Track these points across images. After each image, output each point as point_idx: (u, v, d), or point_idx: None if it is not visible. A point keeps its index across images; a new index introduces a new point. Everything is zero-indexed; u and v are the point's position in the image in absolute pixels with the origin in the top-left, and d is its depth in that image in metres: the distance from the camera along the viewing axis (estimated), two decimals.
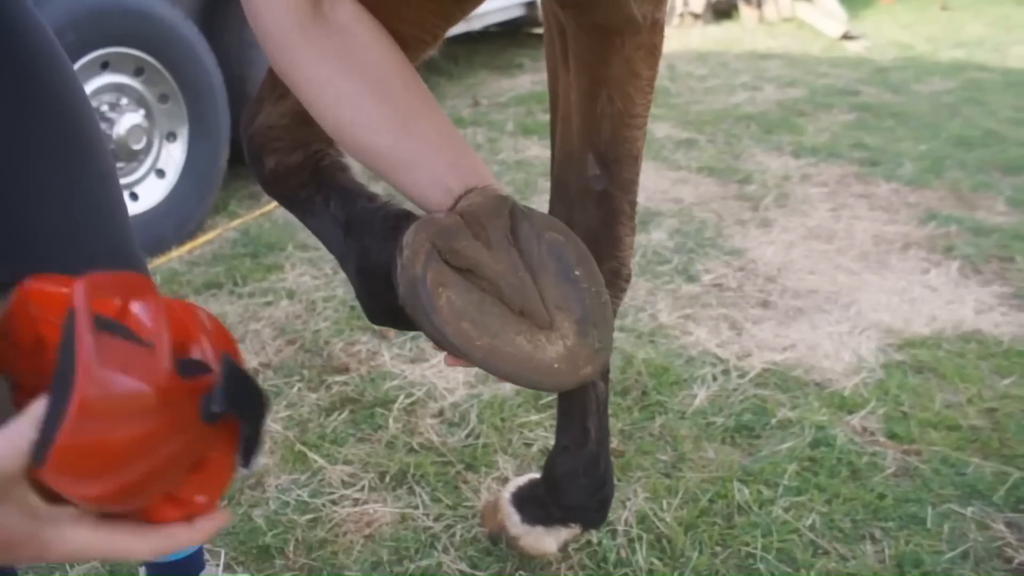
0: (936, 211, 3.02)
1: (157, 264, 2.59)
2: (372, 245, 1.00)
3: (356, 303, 2.10)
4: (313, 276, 2.54)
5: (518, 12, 5.29)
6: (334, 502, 1.63)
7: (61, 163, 0.92)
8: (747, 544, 1.51)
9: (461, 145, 0.85)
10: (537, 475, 1.48)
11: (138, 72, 2.60)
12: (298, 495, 1.64)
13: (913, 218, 2.98)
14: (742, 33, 6.66)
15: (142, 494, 0.52)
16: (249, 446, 0.56)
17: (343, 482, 1.68)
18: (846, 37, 6.27)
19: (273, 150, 1.06)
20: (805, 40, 6.35)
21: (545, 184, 3.32)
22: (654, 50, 1.14)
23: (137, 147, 2.59)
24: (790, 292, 2.45)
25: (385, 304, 1.00)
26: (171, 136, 2.74)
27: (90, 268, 0.56)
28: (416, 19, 0.98)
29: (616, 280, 1.22)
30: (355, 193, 1.06)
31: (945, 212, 3.01)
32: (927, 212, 3.02)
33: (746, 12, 7.26)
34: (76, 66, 2.40)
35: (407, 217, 0.97)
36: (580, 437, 1.31)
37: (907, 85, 4.88)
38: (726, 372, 2.02)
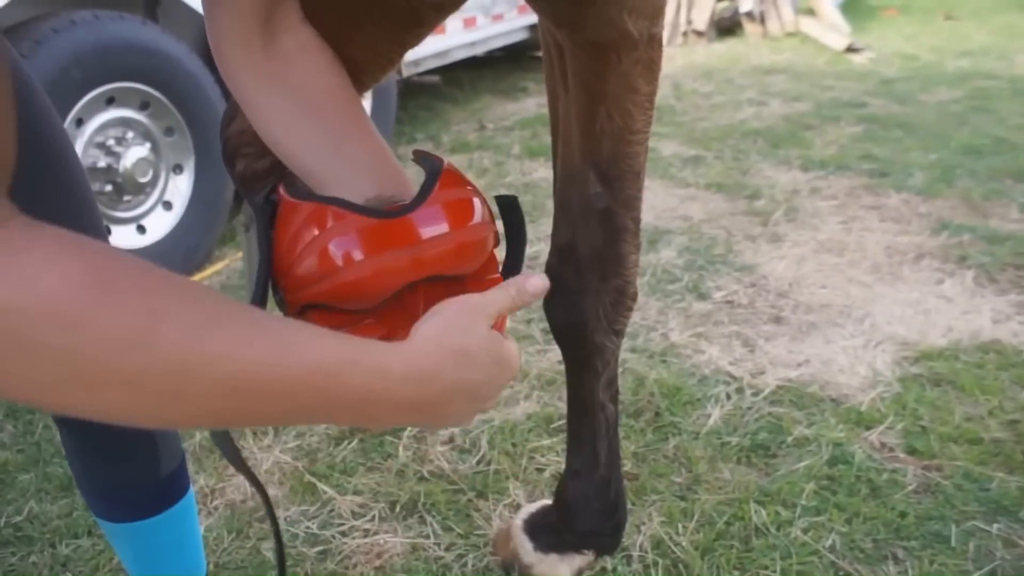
0: (948, 220, 2.99)
1: None
2: None
3: None
4: None
5: (521, 36, 5.32)
6: (344, 533, 1.60)
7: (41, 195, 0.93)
8: (765, 567, 1.47)
9: (391, 167, 0.90)
10: (549, 501, 1.45)
11: (144, 106, 2.61)
12: (307, 527, 1.62)
13: (925, 228, 2.94)
14: (746, 49, 6.66)
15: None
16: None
17: (353, 513, 1.65)
18: (850, 50, 6.27)
19: (244, 154, 1.09)
20: (809, 54, 6.34)
21: (552, 207, 3.31)
22: (652, 65, 1.12)
23: (143, 180, 2.60)
24: (802, 307, 2.42)
25: None
26: (177, 168, 2.75)
27: None
28: (369, 44, 1.00)
29: (622, 299, 1.20)
30: None
31: (957, 221, 2.98)
32: (939, 222, 2.99)
33: (750, 28, 7.27)
34: (82, 102, 2.42)
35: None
36: (591, 461, 1.29)
37: (914, 95, 4.86)
38: (740, 390, 1.99)
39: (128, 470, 1.15)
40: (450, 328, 0.65)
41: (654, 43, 1.12)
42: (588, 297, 1.19)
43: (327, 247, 0.70)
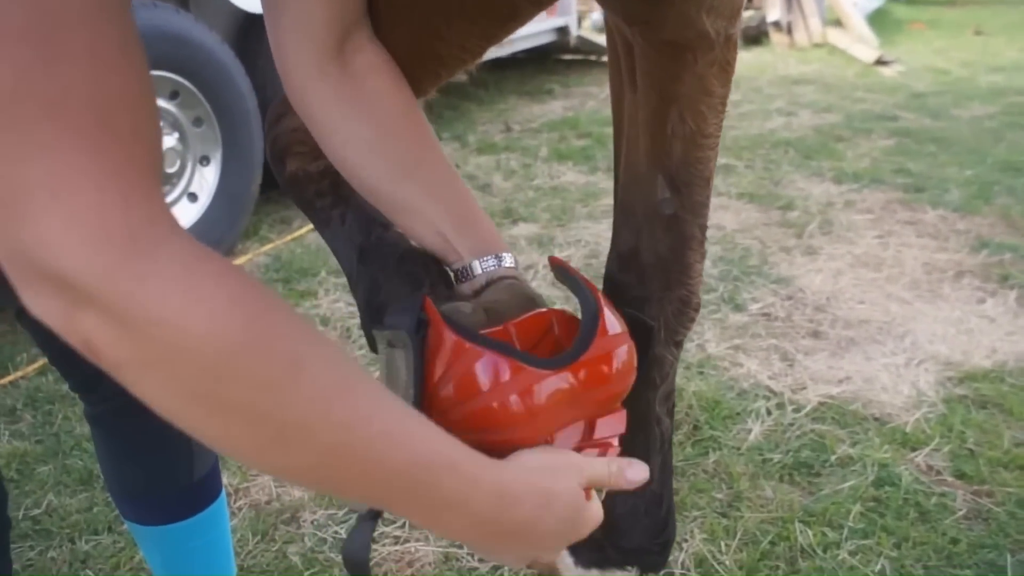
0: (988, 238, 2.92)
1: None
2: (383, 282, 0.96)
3: None
4: (347, 303, 2.48)
5: (548, 39, 5.27)
6: (373, 540, 1.55)
7: None
8: None
9: (461, 193, 0.89)
10: None
11: (173, 95, 2.57)
12: (335, 532, 1.57)
13: (964, 245, 2.88)
14: (773, 59, 6.60)
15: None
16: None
17: (383, 519, 1.60)
18: (880, 62, 6.19)
19: (296, 154, 1.03)
20: (838, 65, 6.27)
21: (582, 210, 3.26)
22: (727, 66, 1.07)
23: (171, 170, 2.56)
24: (841, 322, 2.35)
25: None
26: (204, 160, 2.70)
27: None
28: (457, 39, 0.95)
29: (685, 309, 1.15)
30: (372, 218, 1.02)
31: (997, 239, 2.91)
32: (978, 239, 2.92)
33: (776, 38, 7.20)
34: None
35: (424, 261, 0.92)
36: None
37: (946, 110, 4.79)
38: (780, 406, 1.93)
39: (161, 473, 1.10)
40: (546, 469, 0.66)
41: (731, 44, 1.06)
42: (650, 306, 1.14)
43: (505, 402, 0.68)
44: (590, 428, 0.76)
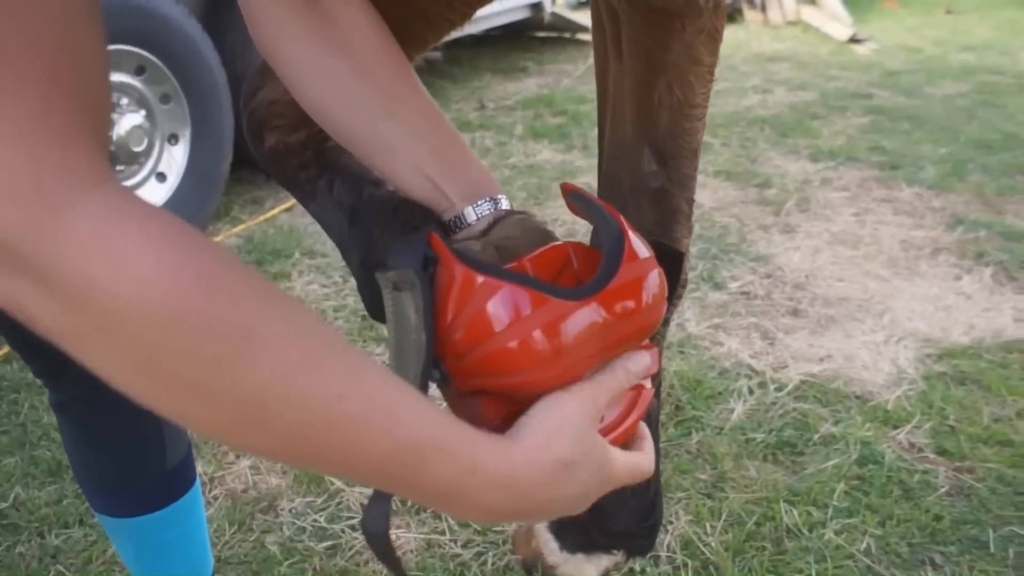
0: (963, 216, 2.93)
1: None
2: (380, 238, 0.90)
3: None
4: (322, 284, 2.43)
5: (522, 15, 5.21)
6: (354, 528, 1.52)
7: None
8: (800, 571, 1.41)
9: (447, 133, 0.81)
10: None
11: (139, 71, 2.49)
12: (314, 520, 1.54)
13: (940, 223, 2.88)
14: (747, 36, 6.58)
15: None
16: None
17: (363, 505, 1.57)
18: (853, 40, 6.19)
19: (274, 127, 0.97)
20: (812, 43, 6.27)
21: (558, 189, 3.22)
22: (716, 34, 1.04)
23: (138, 149, 2.49)
24: (820, 300, 2.35)
25: None
26: (173, 138, 2.63)
27: None
28: None
29: (673, 287, 1.12)
30: (362, 178, 0.95)
31: (972, 216, 2.92)
32: (954, 217, 2.93)
33: (750, 15, 7.18)
34: None
35: (421, 211, 0.86)
36: None
37: (919, 88, 4.80)
38: (762, 385, 1.91)
39: (132, 462, 1.05)
40: (559, 435, 0.59)
41: (719, 11, 1.03)
42: None
43: (527, 340, 0.60)
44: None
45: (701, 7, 0.99)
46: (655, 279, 0.66)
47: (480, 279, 0.61)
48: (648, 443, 0.70)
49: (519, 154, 3.66)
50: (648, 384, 0.71)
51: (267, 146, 0.99)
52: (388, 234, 0.86)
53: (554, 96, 4.56)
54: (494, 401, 0.64)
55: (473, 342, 0.61)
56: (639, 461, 0.67)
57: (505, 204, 0.79)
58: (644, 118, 1.05)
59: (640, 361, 0.66)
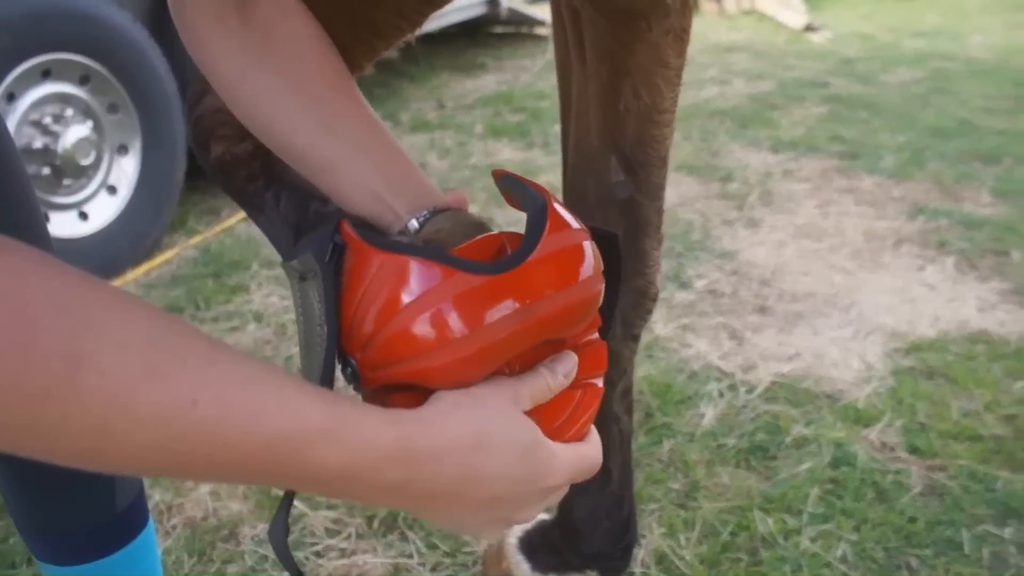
0: (923, 204, 2.95)
1: None
2: None
3: None
4: (281, 296, 2.36)
5: (479, 11, 5.14)
6: (319, 554, 1.47)
7: None
8: None
9: (390, 146, 0.77)
10: (548, 517, 1.34)
11: (83, 80, 2.40)
12: None
13: (901, 212, 2.90)
14: (704, 27, 6.58)
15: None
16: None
17: (327, 530, 1.52)
18: (808, 29, 6.23)
19: (221, 136, 0.93)
20: (768, 32, 6.29)
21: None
22: (683, 35, 1.00)
23: (85, 162, 2.39)
24: (787, 296, 2.34)
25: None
26: (122, 149, 2.54)
27: None
28: (393, 5, 0.86)
29: (643, 300, 1.09)
30: (308, 193, 0.91)
31: (932, 205, 2.94)
32: (914, 206, 2.94)
33: (706, 6, 7.19)
34: (14, 74, 2.20)
35: (366, 228, 0.82)
36: (602, 478, 1.18)
37: (875, 76, 4.84)
38: (732, 387, 1.90)
39: (78, 508, 0.99)
40: (465, 404, 0.53)
41: (686, 10, 0.99)
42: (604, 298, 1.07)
43: (437, 314, 0.53)
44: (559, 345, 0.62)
45: (668, 6, 0.95)
46: (586, 251, 0.59)
47: (382, 256, 0.55)
48: (595, 435, 0.65)
49: (480, 153, 3.62)
50: (598, 383, 0.65)
51: (213, 156, 0.95)
52: None
53: (513, 93, 4.52)
54: (406, 397, 0.57)
55: (378, 324, 0.55)
56: (585, 451, 0.61)
57: None
58: (610, 125, 1.01)
59: (566, 361, 0.60)
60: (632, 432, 1.19)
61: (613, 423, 1.15)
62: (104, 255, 2.42)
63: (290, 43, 0.77)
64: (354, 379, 0.59)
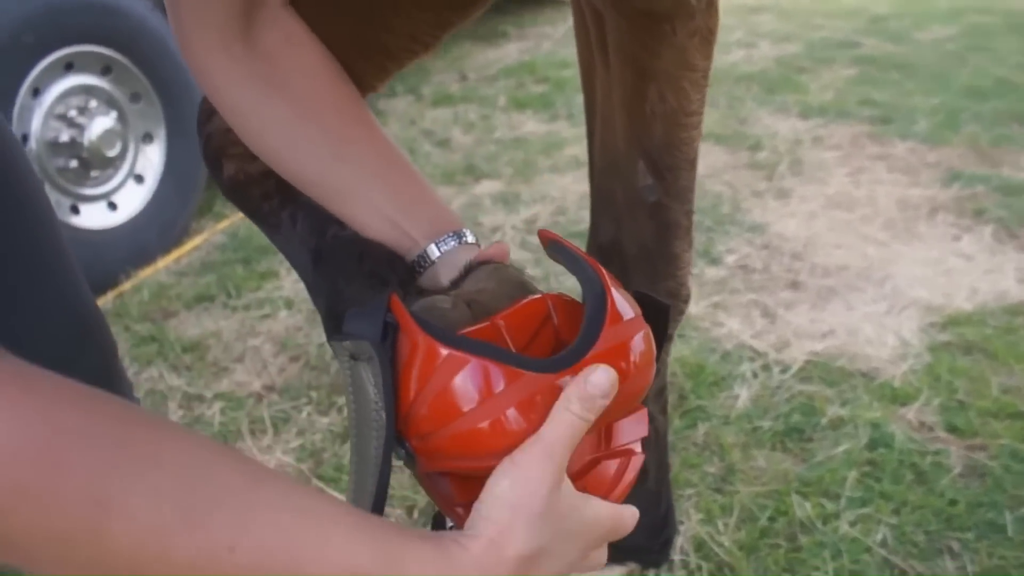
0: (959, 170, 2.88)
1: (143, 277, 2.42)
2: (345, 287, 0.85)
3: None
4: None
5: None
6: None
7: None
8: (816, 568, 1.38)
9: (404, 170, 0.78)
10: None
11: (106, 71, 2.40)
12: None
13: (936, 179, 2.83)
14: None
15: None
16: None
17: None
18: None
19: (232, 156, 0.91)
20: None
21: (545, 163, 3.16)
22: (710, 36, 0.98)
23: (112, 153, 2.40)
24: (819, 270, 2.31)
25: None
26: (147, 138, 2.55)
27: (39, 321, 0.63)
28: (406, 30, 0.85)
29: (674, 302, 1.08)
30: (325, 215, 0.91)
31: (968, 171, 2.87)
32: (950, 172, 2.88)
33: None
34: (38, 68, 2.21)
35: (388, 257, 0.81)
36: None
37: (908, 34, 4.71)
38: (766, 367, 1.88)
39: None
40: (513, 527, 0.52)
41: (712, 9, 0.97)
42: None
43: (500, 420, 0.54)
44: (607, 435, 0.65)
45: (693, 8, 0.93)
46: (641, 342, 0.60)
47: (444, 352, 0.55)
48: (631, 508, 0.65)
49: (504, 127, 3.58)
50: (638, 448, 0.66)
51: (226, 175, 0.93)
52: (354, 286, 0.81)
53: (536, 63, 4.46)
54: (463, 484, 0.59)
55: (439, 422, 0.55)
56: (622, 513, 0.61)
57: (470, 238, 0.77)
58: (636, 129, 1.00)
59: (601, 379, 0.57)
60: (667, 428, 1.19)
61: (649, 421, 1.14)
62: (134, 244, 2.43)
63: (298, 71, 0.76)
64: (409, 462, 0.60)
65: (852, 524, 1.46)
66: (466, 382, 0.54)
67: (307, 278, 0.91)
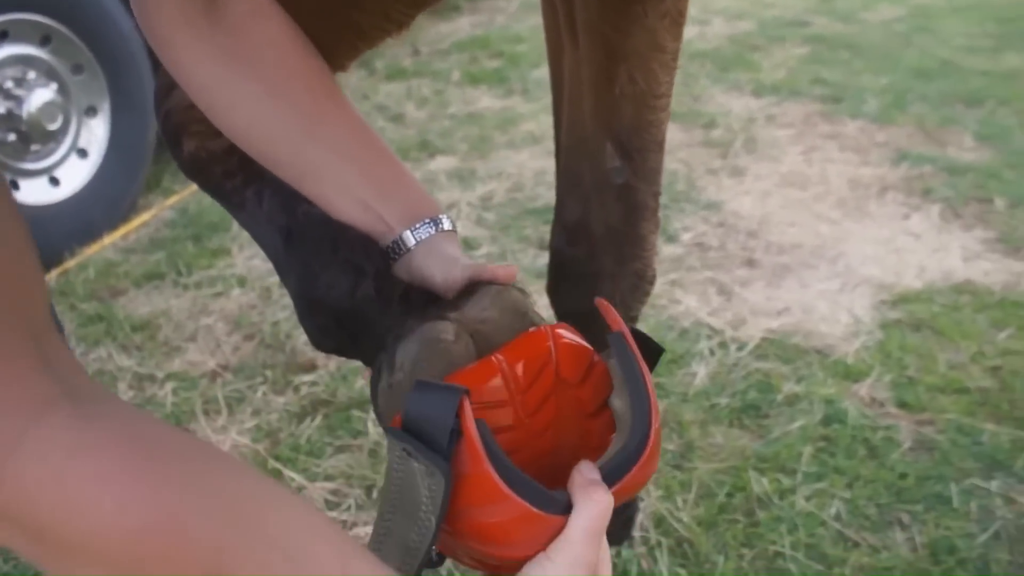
0: (907, 150, 2.94)
1: (89, 255, 2.35)
2: (320, 272, 0.83)
3: None
4: (264, 259, 2.32)
5: None
6: None
7: None
8: (773, 543, 1.41)
9: (377, 150, 0.75)
10: None
11: (44, 41, 2.31)
12: None
13: (885, 159, 2.89)
14: None
15: None
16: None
17: (327, 501, 1.52)
18: None
19: (194, 132, 0.87)
20: None
21: (501, 138, 3.13)
22: (679, 18, 0.98)
23: (53, 126, 2.31)
24: (774, 248, 2.34)
25: (336, 341, 0.83)
26: (91, 111, 2.46)
27: None
28: (379, 8, 0.82)
29: (640, 283, 1.08)
30: (295, 193, 0.87)
31: (916, 151, 2.93)
32: (898, 152, 2.93)
33: None
34: None
35: (362, 243, 0.78)
36: None
37: (856, 14, 4.77)
38: (723, 345, 1.90)
39: None
40: None
41: None
42: (603, 282, 1.06)
43: (534, 552, 0.58)
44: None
45: None
46: (653, 470, 0.66)
47: (504, 491, 0.57)
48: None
49: (458, 102, 3.55)
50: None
51: (186, 152, 0.89)
52: (329, 270, 0.79)
53: (489, 37, 4.42)
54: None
55: (477, 540, 0.60)
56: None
57: (447, 224, 0.75)
58: (605, 110, 0.99)
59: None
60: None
61: None
62: (78, 220, 2.36)
63: (266, 46, 0.73)
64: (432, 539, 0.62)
65: (808, 499, 1.49)
66: (517, 527, 0.58)
67: (276, 257, 0.88)
